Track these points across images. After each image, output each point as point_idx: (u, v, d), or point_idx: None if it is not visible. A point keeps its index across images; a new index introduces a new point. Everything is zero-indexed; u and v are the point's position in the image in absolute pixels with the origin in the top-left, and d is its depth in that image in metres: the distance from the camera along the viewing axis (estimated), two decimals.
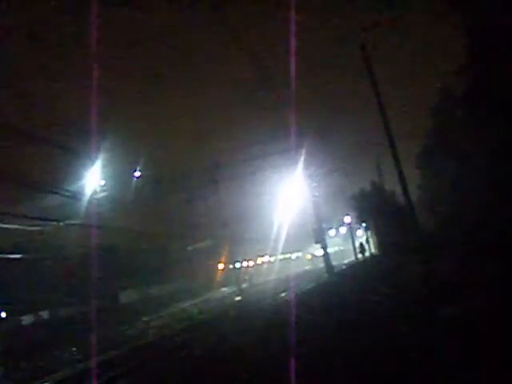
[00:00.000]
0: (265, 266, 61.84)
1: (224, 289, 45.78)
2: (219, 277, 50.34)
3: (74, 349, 16.42)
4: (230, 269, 46.61)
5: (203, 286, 46.66)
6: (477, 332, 5.69)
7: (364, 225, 43.31)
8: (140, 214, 36.50)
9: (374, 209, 34.94)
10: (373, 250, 45.54)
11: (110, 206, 28.97)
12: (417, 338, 6.28)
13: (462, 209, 23.68)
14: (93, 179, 26.19)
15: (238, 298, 28.99)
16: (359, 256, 43.85)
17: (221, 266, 50.63)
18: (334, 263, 29.91)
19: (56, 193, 24.01)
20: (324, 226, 30.31)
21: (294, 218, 36.43)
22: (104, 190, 28.24)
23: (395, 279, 13.96)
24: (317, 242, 27.60)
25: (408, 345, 5.90)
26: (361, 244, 40.87)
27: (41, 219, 25.88)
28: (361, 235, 54.74)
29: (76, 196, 24.98)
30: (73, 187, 25.64)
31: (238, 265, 48.15)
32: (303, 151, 26.12)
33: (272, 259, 61.04)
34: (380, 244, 39.03)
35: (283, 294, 21.54)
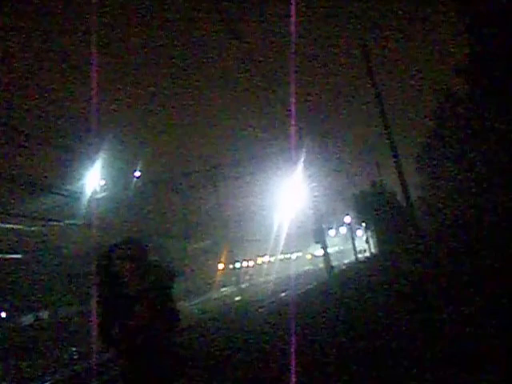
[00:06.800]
0: (265, 266, 61.85)
1: (224, 289, 45.78)
2: (219, 277, 50.35)
3: (73, 349, 16.41)
4: (230, 269, 46.60)
5: (203, 286, 46.67)
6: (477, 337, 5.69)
7: (364, 225, 43.37)
8: (140, 214, 36.52)
9: (374, 209, 34.98)
10: (373, 250, 45.60)
11: (110, 206, 28.97)
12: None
13: (461, 208, 23.70)
14: (93, 179, 26.19)
15: (237, 298, 28.99)
16: (359, 256, 43.93)
17: (221, 266, 50.65)
18: (335, 263, 29.90)
19: (56, 193, 24.02)
20: (324, 226, 30.30)
21: (293, 218, 36.46)
22: (104, 190, 28.24)
23: (396, 279, 13.94)
24: (317, 242, 27.59)
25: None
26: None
27: (41, 219, 25.90)
28: (361, 235, 54.84)
29: (76, 196, 24.99)
30: (73, 187, 25.66)
31: (238, 265, 48.16)
32: (303, 151, 26.12)
33: (272, 259, 61.06)
34: (380, 244, 39.07)
35: (283, 294, 21.54)
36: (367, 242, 46.49)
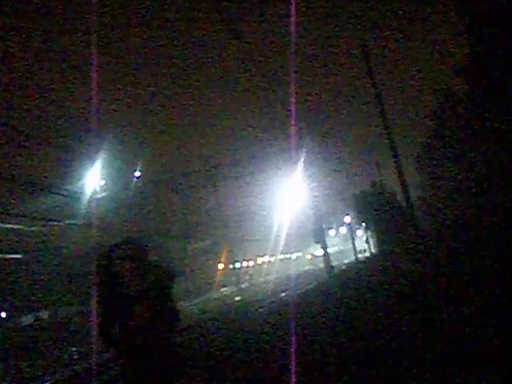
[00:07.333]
0: (265, 266, 61.85)
1: (224, 289, 45.77)
2: (219, 277, 50.35)
3: (73, 349, 16.41)
4: (230, 269, 46.58)
5: (203, 286, 46.67)
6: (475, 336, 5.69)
7: (364, 225, 43.38)
8: (140, 214, 36.52)
9: (374, 209, 34.98)
10: (373, 250, 45.59)
11: (110, 206, 28.95)
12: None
13: (461, 208, 23.70)
14: (93, 179, 26.19)
15: (237, 298, 28.99)
16: (359, 256, 43.94)
17: (221, 266, 50.64)
18: (335, 263, 29.89)
19: (56, 193, 24.01)
20: (324, 226, 30.29)
21: (293, 218, 36.44)
22: (104, 190, 28.23)
23: (396, 279, 13.95)
24: (317, 242, 27.58)
25: None
26: None
27: (41, 219, 25.88)
28: (361, 235, 54.85)
29: (76, 196, 24.99)
30: (73, 187, 25.67)
31: (238, 265, 48.15)
32: (303, 151, 26.13)
33: (272, 259, 61.06)
34: (380, 244, 39.09)
35: (283, 294, 21.53)
36: (367, 242, 46.49)
